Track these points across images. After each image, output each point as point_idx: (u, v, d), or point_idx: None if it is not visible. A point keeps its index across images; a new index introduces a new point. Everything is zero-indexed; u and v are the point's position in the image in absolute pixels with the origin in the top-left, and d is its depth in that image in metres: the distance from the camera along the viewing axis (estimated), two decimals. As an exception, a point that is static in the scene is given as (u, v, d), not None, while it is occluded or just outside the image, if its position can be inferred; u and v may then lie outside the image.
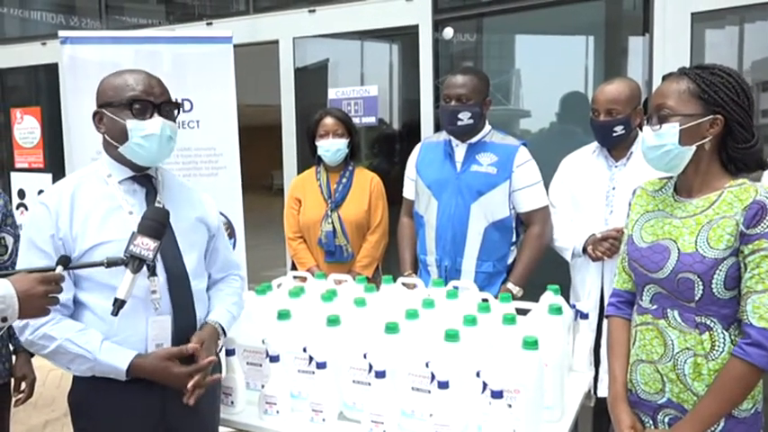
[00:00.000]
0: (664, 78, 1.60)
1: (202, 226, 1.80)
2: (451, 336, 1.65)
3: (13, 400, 2.37)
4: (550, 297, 2.04)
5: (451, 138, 2.68)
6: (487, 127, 2.69)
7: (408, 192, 2.86)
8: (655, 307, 1.62)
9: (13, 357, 2.34)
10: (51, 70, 4.83)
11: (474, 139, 2.65)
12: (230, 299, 1.85)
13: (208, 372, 1.64)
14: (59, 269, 1.41)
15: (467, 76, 2.61)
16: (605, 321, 1.85)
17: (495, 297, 2.20)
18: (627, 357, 1.69)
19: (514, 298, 2.45)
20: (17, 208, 4.92)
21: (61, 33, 3.10)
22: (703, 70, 1.53)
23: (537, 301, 2.07)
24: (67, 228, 1.59)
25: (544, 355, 1.69)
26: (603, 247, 2.45)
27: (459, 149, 2.66)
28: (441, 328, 1.69)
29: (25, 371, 2.34)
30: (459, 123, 2.58)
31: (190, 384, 1.59)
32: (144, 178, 1.72)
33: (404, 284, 2.33)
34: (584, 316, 2.12)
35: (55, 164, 4.88)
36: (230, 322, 1.80)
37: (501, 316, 1.80)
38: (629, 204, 1.75)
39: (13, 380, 2.35)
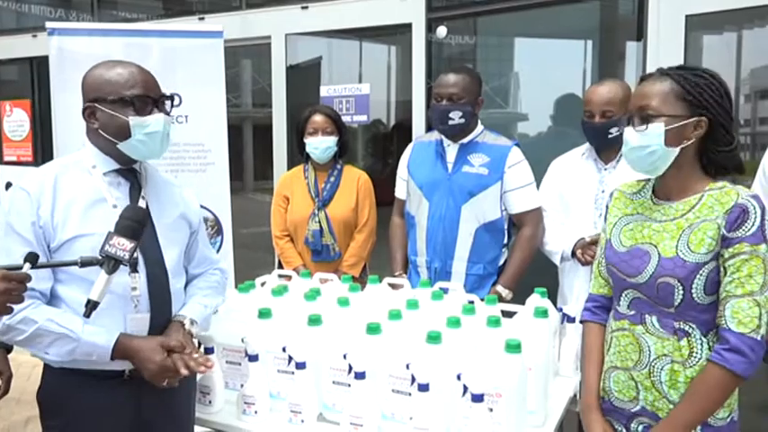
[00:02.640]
0: (642, 79, 1.57)
1: (184, 223, 1.78)
2: (433, 337, 1.62)
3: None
4: (537, 300, 2.01)
5: (443, 137, 2.66)
6: (480, 127, 2.67)
7: (400, 191, 2.84)
8: (632, 312, 1.59)
9: None
10: (42, 63, 4.78)
11: (466, 140, 2.63)
12: (202, 291, 1.81)
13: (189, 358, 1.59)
14: (26, 267, 1.35)
15: (459, 75, 2.59)
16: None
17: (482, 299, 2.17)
18: (601, 364, 1.67)
19: (503, 300, 2.44)
20: (3, 199, 4.89)
21: (48, 24, 3.07)
22: (687, 71, 1.51)
23: (524, 303, 2.04)
24: (48, 216, 1.56)
25: (528, 358, 1.67)
26: (593, 251, 2.42)
27: (451, 150, 2.64)
28: (424, 329, 1.66)
29: (1, 367, 2.29)
30: (451, 123, 2.56)
31: (183, 370, 1.55)
32: (129, 172, 1.69)
33: (390, 285, 2.30)
34: (571, 320, 2.09)
35: (44, 157, 4.85)
36: (201, 312, 1.76)
37: (485, 318, 1.78)
38: (607, 207, 1.72)
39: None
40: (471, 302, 2.01)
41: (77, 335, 1.52)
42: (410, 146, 2.84)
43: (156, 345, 1.57)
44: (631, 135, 1.54)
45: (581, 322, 1.77)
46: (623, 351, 1.59)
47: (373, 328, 1.71)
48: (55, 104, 3.16)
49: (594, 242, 2.42)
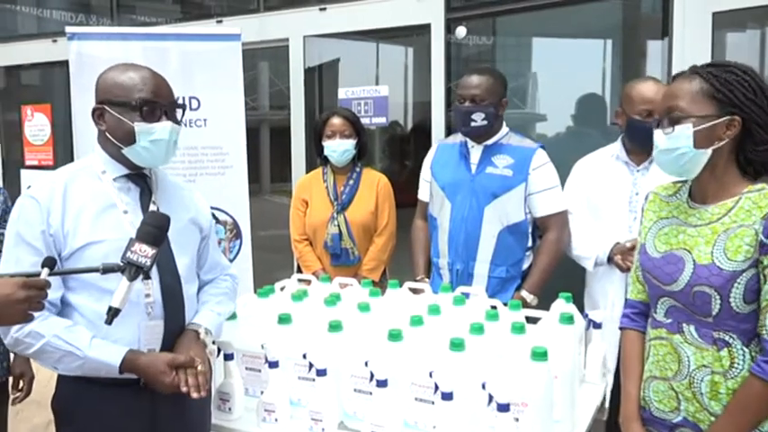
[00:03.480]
0: (674, 78, 1.52)
1: (195, 228, 1.76)
2: (457, 345, 1.59)
3: (11, 398, 2.34)
4: (562, 305, 1.96)
5: (467, 139, 2.64)
6: (504, 128, 2.64)
7: (423, 194, 2.81)
8: (669, 321, 1.54)
9: (12, 355, 2.31)
10: (62, 67, 4.83)
11: (490, 141, 2.60)
12: (215, 298, 1.80)
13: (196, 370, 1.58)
14: (44, 273, 1.35)
15: (482, 76, 2.56)
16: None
17: (505, 304, 2.13)
18: (641, 373, 1.62)
19: (528, 306, 2.41)
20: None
21: (68, 29, 3.08)
22: (716, 68, 1.44)
23: (548, 309, 2.00)
24: (59, 224, 1.55)
25: (554, 366, 1.63)
26: (633, 256, 2.38)
27: (475, 151, 2.62)
28: (446, 336, 1.63)
29: (23, 368, 2.31)
30: (473, 125, 2.53)
31: (183, 387, 1.53)
32: (139, 177, 1.68)
33: (410, 289, 2.27)
34: (597, 325, 2.04)
35: (64, 161, 4.85)
36: (215, 320, 1.74)
37: (509, 324, 1.74)
38: (642, 210, 1.67)
39: (11, 378, 2.32)
40: (494, 308, 1.98)
41: (84, 353, 1.50)
42: (434, 147, 2.82)
43: (164, 365, 1.54)
44: (660, 137, 1.48)
45: (619, 329, 1.73)
46: (662, 361, 1.54)
47: (395, 335, 1.68)
48: (74, 109, 3.18)
49: (634, 247, 2.37)
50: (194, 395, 1.53)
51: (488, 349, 1.65)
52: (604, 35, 3.52)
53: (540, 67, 3.73)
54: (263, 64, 5.30)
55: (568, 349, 1.77)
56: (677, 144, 1.45)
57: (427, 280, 2.68)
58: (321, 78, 4.22)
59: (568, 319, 1.82)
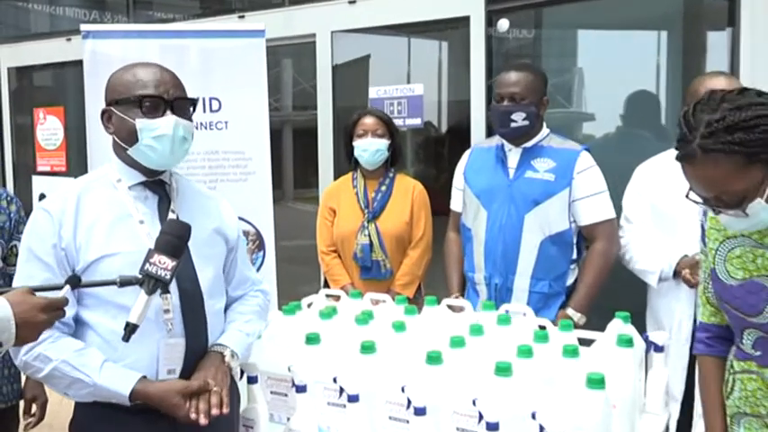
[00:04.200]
0: (683, 159, 1.39)
1: (220, 238, 1.76)
2: (503, 369, 1.56)
3: (23, 423, 2.37)
4: (619, 326, 1.92)
5: (504, 142, 2.61)
6: (545, 130, 2.62)
7: (456, 203, 2.80)
8: (759, 353, 1.48)
9: (23, 377, 2.34)
10: (76, 67, 4.94)
11: (529, 143, 2.58)
12: (243, 317, 1.80)
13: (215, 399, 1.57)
14: (66, 290, 1.37)
15: (521, 72, 2.54)
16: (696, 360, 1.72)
17: (553, 322, 2.11)
18: (724, 404, 1.56)
19: (575, 326, 2.35)
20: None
21: (83, 27, 3.14)
22: (726, 131, 1.31)
23: (602, 329, 1.96)
24: (71, 237, 1.56)
25: (612, 394, 1.59)
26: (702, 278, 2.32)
27: (513, 154, 2.59)
28: (490, 359, 1.61)
29: (36, 392, 2.33)
30: (513, 125, 2.51)
31: (192, 415, 1.52)
32: (156, 184, 1.69)
33: (449, 307, 2.24)
34: (659, 348, 1.99)
35: (78, 167, 4.98)
36: (243, 341, 1.74)
37: (561, 347, 1.71)
38: (702, 228, 1.61)
39: (22, 402, 2.35)
40: (543, 328, 1.95)
41: (93, 380, 1.51)
42: (468, 152, 2.80)
43: (177, 395, 1.53)
44: (731, 222, 1.40)
45: (695, 355, 1.67)
46: (752, 396, 1.48)
47: (434, 358, 1.66)
48: (89, 111, 3.23)
49: None
50: (202, 421, 1.52)
51: (538, 375, 1.62)
52: (660, 26, 3.47)
53: (588, 63, 3.70)
54: (285, 61, 5.34)
55: (628, 375, 1.73)
56: (757, 220, 1.37)
57: (462, 297, 2.65)
58: (350, 77, 4.23)
59: (627, 342, 1.78)
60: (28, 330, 1.31)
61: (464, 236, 2.72)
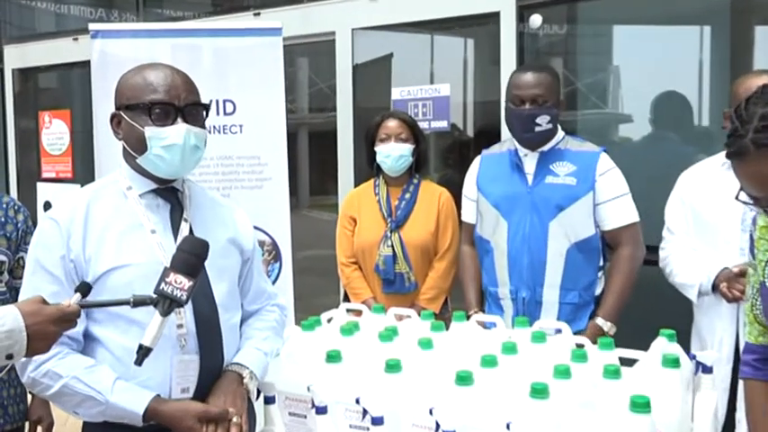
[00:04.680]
0: (733, 157, 1.38)
1: (234, 249, 1.77)
2: (538, 391, 1.54)
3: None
4: (664, 344, 1.89)
5: (518, 146, 2.62)
6: (561, 132, 2.64)
7: (467, 214, 2.81)
8: None
9: (29, 398, 2.37)
10: (83, 69, 5.01)
11: (546, 147, 2.60)
12: (261, 334, 1.81)
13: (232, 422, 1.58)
14: (76, 298, 1.38)
15: (541, 73, 2.57)
16: (741, 383, 1.69)
17: (580, 333, 2.13)
18: None
19: (606, 336, 2.38)
20: (42, 222, 5.12)
21: (92, 26, 3.19)
22: None
23: (645, 348, 1.93)
24: (80, 248, 1.58)
25: (657, 418, 1.55)
26: (742, 284, 2.29)
27: (529, 159, 2.61)
28: (525, 379, 1.59)
29: (41, 413, 2.36)
30: (538, 129, 2.53)
31: None
32: (168, 192, 1.70)
33: (479, 323, 2.23)
34: (708, 370, 1.95)
35: (84, 174, 5.04)
36: (261, 361, 1.75)
37: (601, 367, 1.69)
38: (751, 237, 1.58)
39: (27, 423, 2.38)
40: (581, 346, 1.93)
41: (105, 397, 1.52)
42: (476, 161, 2.82)
43: (193, 418, 1.53)
44: None
45: (741, 379, 1.65)
46: None
47: (464, 378, 1.64)
48: (97, 114, 3.27)
49: (743, 273, 2.28)
50: None
51: (576, 397, 1.60)
52: (703, 20, 3.46)
53: (625, 60, 3.70)
54: (301, 60, 5.37)
55: (674, 398, 1.70)
56: None
57: (482, 314, 2.64)
58: (372, 77, 4.24)
59: (673, 362, 1.74)
60: (40, 342, 1.33)
61: (481, 249, 2.73)
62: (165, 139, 1.60)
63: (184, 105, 1.63)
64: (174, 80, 1.64)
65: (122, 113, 1.64)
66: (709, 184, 2.45)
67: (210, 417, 1.55)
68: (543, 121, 2.52)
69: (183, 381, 1.60)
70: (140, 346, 1.40)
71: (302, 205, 6.44)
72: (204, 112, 1.70)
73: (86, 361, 1.56)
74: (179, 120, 1.61)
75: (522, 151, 2.62)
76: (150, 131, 1.60)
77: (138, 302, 1.42)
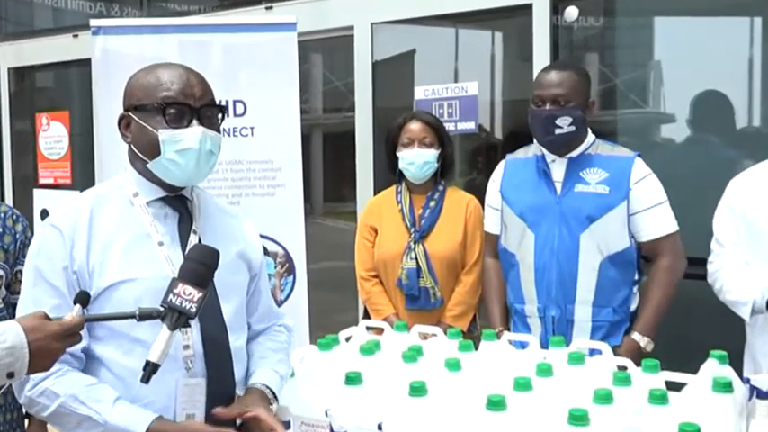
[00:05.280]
0: None
1: (243, 264, 1.79)
2: (578, 417, 1.54)
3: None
4: (714, 367, 1.88)
5: (545, 152, 2.63)
6: (591, 136, 2.64)
7: (491, 225, 2.82)
8: None
9: (26, 422, 2.39)
10: (84, 67, 5.07)
11: (575, 153, 2.60)
12: (275, 356, 1.82)
13: None
14: (76, 309, 1.40)
15: (564, 71, 2.58)
16: None
17: (614, 348, 2.13)
18: None
19: (643, 352, 2.40)
20: (38, 232, 5.18)
21: (93, 22, 3.23)
22: None
23: (693, 371, 1.92)
24: (83, 259, 1.59)
25: (709, 449, 1.55)
26: None
27: (557, 166, 2.62)
28: (562, 405, 1.59)
29: None
30: (558, 132, 2.53)
31: None
32: (177, 200, 1.71)
33: (511, 342, 2.23)
34: (763, 395, 1.93)
35: (84, 180, 5.09)
36: (279, 385, 1.77)
37: (646, 391, 1.68)
38: None
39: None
40: (624, 368, 1.93)
41: (104, 417, 1.52)
42: (500, 166, 2.82)
43: None
44: None
45: None
46: None
47: (496, 403, 1.64)
48: (98, 116, 3.31)
49: None
50: None
51: (619, 424, 1.60)
52: (754, 11, 3.43)
53: (667, 55, 3.68)
54: (315, 57, 5.40)
55: (727, 425, 1.69)
56: None
57: (504, 332, 2.64)
58: (392, 74, 4.25)
59: (725, 386, 1.73)
60: (42, 359, 1.35)
61: (506, 262, 2.73)
62: (180, 143, 1.61)
63: (200, 106, 1.64)
64: (190, 79, 1.65)
65: (132, 114, 1.65)
66: (762, 191, 2.43)
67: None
68: (564, 123, 2.52)
69: (189, 406, 1.61)
70: (147, 363, 1.41)
71: (315, 213, 6.47)
72: (220, 115, 1.71)
73: (86, 379, 1.57)
74: (194, 122, 1.62)
75: (550, 157, 2.62)
76: (164, 134, 1.61)
77: (145, 315, 1.43)
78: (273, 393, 1.72)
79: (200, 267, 1.48)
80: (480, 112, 3.84)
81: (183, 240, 1.68)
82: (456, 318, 2.89)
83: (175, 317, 1.43)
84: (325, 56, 5.53)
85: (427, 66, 4.17)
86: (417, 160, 2.92)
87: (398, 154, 2.97)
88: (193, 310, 1.43)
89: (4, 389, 1.43)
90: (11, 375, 1.32)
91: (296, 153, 3.27)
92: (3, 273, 2.31)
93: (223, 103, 3.02)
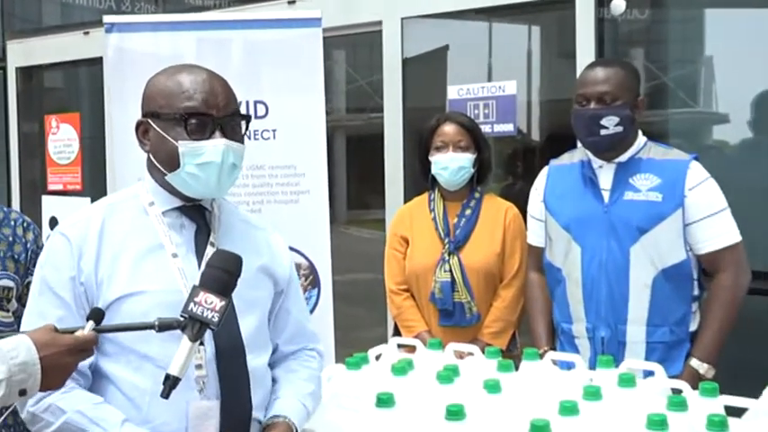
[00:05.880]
0: None
1: (267, 279, 1.79)
2: (630, 445, 1.53)
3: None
4: (779, 391, 1.86)
5: (591, 156, 2.61)
6: (641, 138, 2.61)
7: (534, 236, 2.80)
8: None
9: None
10: (95, 66, 5.13)
11: (624, 157, 2.57)
12: (305, 386, 1.81)
13: None
14: (89, 327, 1.41)
15: (610, 67, 2.56)
16: None
17: (676, 377, 2.10)
18: None
19: (702, 379, 2.34)
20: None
21: (106, 19, 3.28)
22: None
23: (755, 395, 1.89)
24: (92, 270, 1.61)
25: (774, 481, 1.53)
26: None
27: (604, 172, 2.59)
28: (612, 431, 1.59)
29: None
30: (604, 132, 2.50)
31: None
32: (194, 210, 1.72)
33: (554, 362, 2.22)
34: (833, 422, 1.91)
35: (95, 185, 5.16)
36: (303, 420, 1.76)
37: (704, 417, 1.67)
38: None
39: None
40: (679, 392, 1.90)
41: None
42: (543, 173, 2.81)
43: None
44: None
45: None
46: None
47: (540, 428, 1.64)
48: (110, 118, 3.35)
49: None
50: None
51: (676, 453, 1.58)
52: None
53: (720, 50, 3.67)
54: (337, 54, 5.41)
55: (793, 456, 1.67)
56: None
57: (553, 353, 2.62)
58: (424, 73, 4.25)
59: (791, 412, 1.72)
60: (55, 375, 1.36)
61: (551, 277, 2.71)
62: (201, 156, 1.62)
63: (223, 116, 1.65)
64: (214, 87, 1.66)
65: (151, 122, 1.66)
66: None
67: None
68: (610, 123, 2.49)
69: (202, 430, 1.61)
70: (167, 376, 1.41)
71: (339, 221, 6.50)
72: (244, 124, 1.72)
73: (93, 397, 1.58)
74: (217, 133, 1.63)
75: (597, 162, 2.61)
76: (185, 146, 1.62)
77: (165, 326, 1.44)
78: (297, 427, 1.71)
79: (223, 275, 1.49)
80: (519, 112, 3.84)
81: (200, 252, 1.68)
82: (494, 335, 2.88)
83: (197, 327, 1.43)
84: (348, 52, 5.54)
85: (461, 63, 4.18)
86: (451, 165, 2.92)
87: (431, 158, 2.97)
88: (216, 319, 1.43)
89: (11, 409, 1.45)
90: (23, 393, 1.34)
91: (321, 157, 3.28)
92: (13, 284, 2.34)
93: (243, 105, 3.05)
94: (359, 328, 4.46)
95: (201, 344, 1.58)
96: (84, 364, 1.57)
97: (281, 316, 1.84)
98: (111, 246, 1.63)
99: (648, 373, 2.15)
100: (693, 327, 2.54)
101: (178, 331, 1.43)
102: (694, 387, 1.99)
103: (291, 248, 3.18)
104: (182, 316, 1.44)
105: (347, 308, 4.43)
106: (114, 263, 1.62)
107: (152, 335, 1.46)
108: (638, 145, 2.59)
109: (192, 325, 1.43)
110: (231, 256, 1.55)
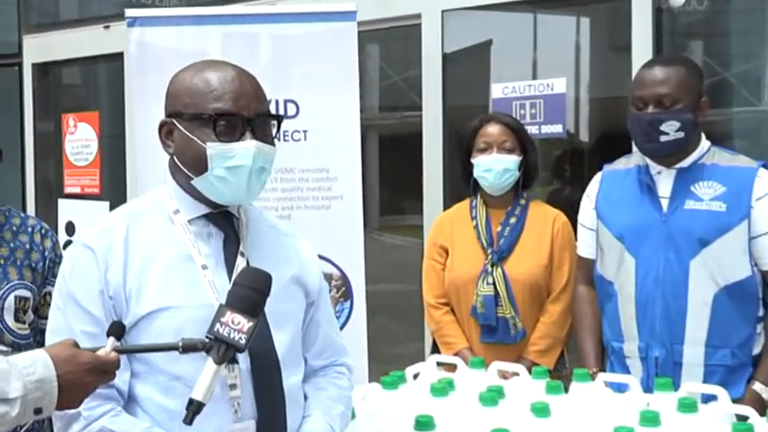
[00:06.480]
0: None
1: (299, 290, 1.79)
2: (692, 476, 1.52)
3: None
4: None
5: (649, 162, 2.59)
6: (705, 143, 2.59)
7: (585, 248, 2.78)
8: None
9: None
10: (115, 62, 5.19)
11: (686, 162, 2.55)
12: (336, 407, 1.80)
13: None
14: (111, 343, 1.42)
15: (670, 66, 2.53)
16: None
17: (737, 401, 2.10)
18: None
19: (764, 404, 2.32)
20: (64, 248, 5.29)
21: (129, 12, 3.32)
22: None
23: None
24: (120, 283, 1.61)
25: None
26: None
27: (664, 179, 2.57)
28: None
29: None
30: (664, 139, 2.48)
31: None
32: (222, 217, 1.72)
33: (607, 384, 2.20)
34: None
35: (114, 189, 5.21)
36: None
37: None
38: None
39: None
40: (744, 418, 1.89)
41: None
42: (595, 179, 2.79)
43: None
44: None
45: None
46: None
47: (593, 456, 1.64)
48: (131, 117, 3.38)
49: None
50: None
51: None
52: None
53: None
54: (371, 48, 5.42)
55: None
56: None
57: (599, 373, 2.61)
58: (466, 69, 4.25)
59: None
60: (72, 395, 1.37)
61: (602, 291, 2.70)
62: (231, 159, 1.62)
63: (254, 116, 1.65)
64: (244, 86, 1.66)
65: (176, 122, 1.67)
66: None
67: None
68: (671, 129, 2.47)
69: None
70: (191, 401, 1.42)
71: (371, 227, 6.50)
72: (275, 125, 1.72)
73: (141, 422, 1.59)
74: (247, 134, 1.63)
75: (655, 168, 2.59)
76: (214, 148, 1.62)
77: (189, 347, 1.44)
78: None
79: (251, 293, 1.49)
80: (568, 112, 3.83)
81: (230, 263, 1.68)
82: (541, 354, 2.88)
83: (223, 349, 1.43)
84: (381, 47, 5.55)
85: (506, 59, 4.17)
86: (496, 167, 2.92)
87: (473, 160, 2.97)
88: (243, 341, 1.44)
89: (26, 427, 1.46)
90: (38, 411, 1.34)
91: (355, 160, 3.29)
92: (30, 294, 2.35)
93: (272, 104, 3.07)
94: (392, 343, 4.45)
95: (236, 362, 1.58)
96: (124, 382, 1.58)
97: (311, 329, 1.84)
98: (138, 256, 1.63)
99: (708, 398, 2.13)
100: (757, 350, 2.51)
101: None
102: (761, 413, 1.98)
103: (322, 257, 3.22)
104: (207, 337, 1.44)
105: (380, 321, 4.43)
106: (142, 275, 1.62)
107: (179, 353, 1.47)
108: (701, 150, 2.57)
109: (218, 347, 1.43)
110: (260, 274, 1.56)
